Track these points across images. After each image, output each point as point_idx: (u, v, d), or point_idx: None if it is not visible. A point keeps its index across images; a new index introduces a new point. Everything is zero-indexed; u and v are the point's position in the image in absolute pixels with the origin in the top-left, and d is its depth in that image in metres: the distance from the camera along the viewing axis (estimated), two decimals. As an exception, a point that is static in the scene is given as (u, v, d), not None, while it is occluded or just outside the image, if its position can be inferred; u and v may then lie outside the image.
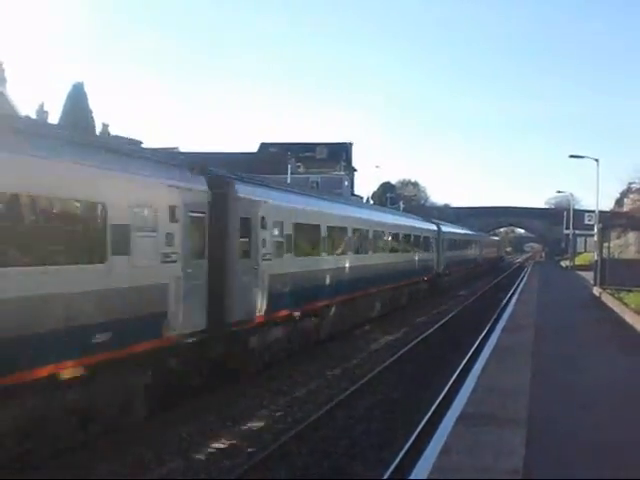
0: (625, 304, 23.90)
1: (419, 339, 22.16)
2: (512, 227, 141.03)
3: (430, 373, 16.83)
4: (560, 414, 9.88)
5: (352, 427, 12.10)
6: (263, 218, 15.50)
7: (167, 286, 11.84)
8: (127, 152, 11.98)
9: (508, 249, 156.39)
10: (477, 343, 19.90)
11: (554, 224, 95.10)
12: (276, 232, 16.45)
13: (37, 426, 9.05)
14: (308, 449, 10.76)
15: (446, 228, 46.52)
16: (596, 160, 45.57)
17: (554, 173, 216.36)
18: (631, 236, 45.25)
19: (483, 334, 21.69)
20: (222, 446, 10.91)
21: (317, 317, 19.69)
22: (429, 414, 12.14)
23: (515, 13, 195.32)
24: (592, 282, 35.37)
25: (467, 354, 18.25)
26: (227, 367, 14.18)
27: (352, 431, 11.86)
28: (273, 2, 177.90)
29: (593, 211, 49.50)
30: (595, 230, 41.69)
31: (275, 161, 73.04)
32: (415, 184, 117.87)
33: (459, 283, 49.29)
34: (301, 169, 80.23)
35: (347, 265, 22.57)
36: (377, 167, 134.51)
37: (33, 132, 9.90)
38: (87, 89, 49.26)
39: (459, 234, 54.51)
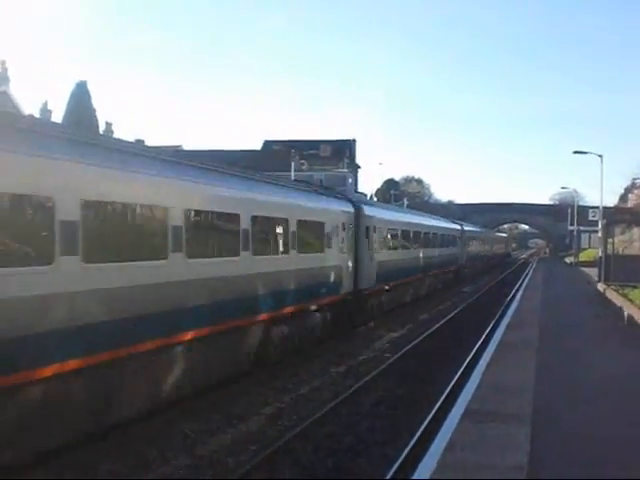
0: (630, 300, 23.84)
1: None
2: (516, 223, 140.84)
3: (435, 369, 16.81)
4: (565, 410, 9.87)
5: (357, 424, 12.09)
6: (374, 227, 24.43)
7: (342, 267, 20.68)
8: (323, 192, 21.60)
9: (513, 245, 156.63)
10: (482, 338, 19.90)
11: (558, 220, 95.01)
12: (380, 235, 25.56)
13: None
14: (313, 446, 10.74)
15: (467, 227, 55.27)
16: (600, 156, 45.48)
17: (558, 169, 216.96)
18: (635, 232, 45.13)
19: (489, 329, 21.69)
20: (226, 444, 10.90)
21: (399, 289, 28.80)
22: (434, 411, 12.12)
23: (517, 9, 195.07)
24: (596, 278, 35.31)
25: (472, 349, 18.25)
26: (358, 314, 22.64)
27: (357, 428, 11.84)
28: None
29: (597, 207, 49.36)
30: (599, 226, 41.63)
31: (279, 159, 73.09)
32: (419, 181, 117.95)
33: (476, 274, 58.02)
34: (305, 166, 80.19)
35: (420, 256, 33.38)
36: (380, 164, 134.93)
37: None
38: (90, 88, 49.36)
39: (477, 232, 64.15)
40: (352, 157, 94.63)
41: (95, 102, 48.96)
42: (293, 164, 54.83)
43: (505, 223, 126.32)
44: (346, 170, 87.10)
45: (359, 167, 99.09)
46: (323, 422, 11.99)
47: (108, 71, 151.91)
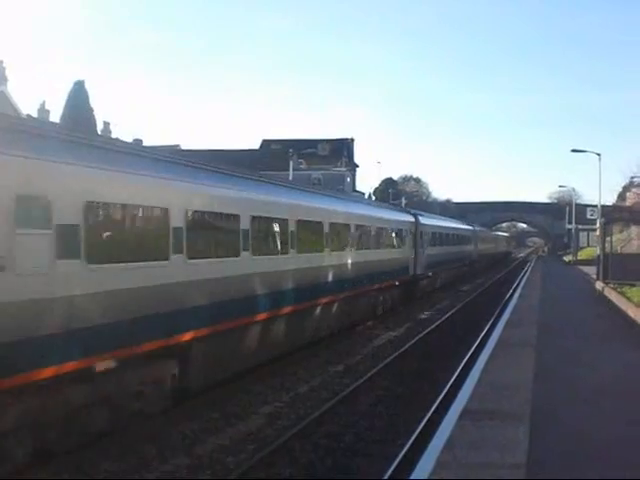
0: (628, 298, 23.87)
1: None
2: (514, 222, 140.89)
3: (435, 367, 16.83)
4: (564, 409, 9.88)
5: (356, 423, 12.09)
6: (425, 231, 34.92)
7: (410, 257, 30.91)
8: (400, 209, 37.00)
9: (513, 244, 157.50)
10: (482, 335, 19.92)
11: (556, 219, 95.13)
12: (427, 236, 35.52)
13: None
14: (311, 445, 10.75)
15: (478, 228, 65.73)
16: (598, 154, 45.49)
17: (556, 167, 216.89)
18: (633, 230, 45.19)
19: (488, 326, 21.72)
20: (225, 443, 10.91)
21: (440, 275, 39.87)
22: (433, 409, 12.13)
23: (517, 8, 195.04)
24: (594, 277, 35.33)
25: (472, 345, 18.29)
26: (416, 291, 32.95)
27: (356, 427, 11.85)
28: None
29: (595, 205, 49.40)
30: (597, 224, 41.65)
31: (277, 158, 73.08)
32: (417, 179, 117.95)
33: (485, 269, 66.86)
34: (303, 166, 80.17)
35: (454, 251, 45.53)
36: (378, 163, 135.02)
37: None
38: (88, 87, 49.29)
39: (484, 232, 74.06)
40: (350, 156, 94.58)
41: (93, 102, 48.95)
42: (291, 163, 54.80)
43: (503, 222, 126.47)
44: (344, 169, 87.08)
45: (357, 166, 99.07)
46: (322, 421, 12.00)
47: (106, 70, 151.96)
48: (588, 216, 56.66)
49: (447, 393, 13.14)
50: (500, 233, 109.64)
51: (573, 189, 78.39)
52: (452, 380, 14.41)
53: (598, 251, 35.35)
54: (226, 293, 13.07)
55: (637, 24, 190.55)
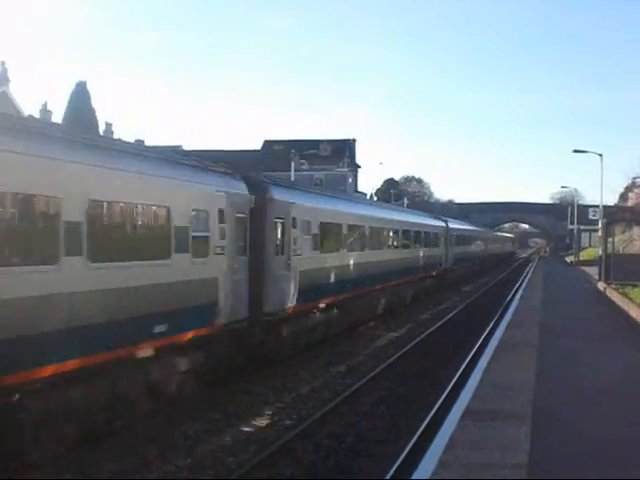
0: (630, 299, 23.84)
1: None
2: (516, 223, 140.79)
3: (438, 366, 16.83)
4: (565, 409, 9.87)
5: (357, 423, 12.09)
6: (455, 235, 44.90)
7: (443, 254, 39.89)
8: (435, 216, 43.87)
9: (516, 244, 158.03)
10: (484, 335, 19.92)
11: (558, 219, 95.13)
12: (454, 238, 44.10)
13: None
14: (313, 446, 10.75)
15: (489, 231, 77.89)
16: (600, 155, 45.50)
17: (558, 168, 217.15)
18: (636, 231, 45.12)
19: (490, 326, 21.71)
20: (227, 443, 10.90)
21: (466, 269, 50.78)
22: (435, 409, 12.12)
23: (518, 8, 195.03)
24: (597, 277, 35.30)
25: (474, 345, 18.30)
26: (445, 281, 40.91)
27: (357, 427, 11.84)
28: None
29: (597, 206, 49.38)
30: (599, 225, 41.61)
31: (279, 158, 73.07)
32: (419, 180, 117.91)
33: (493, 266, 74.13)
34: (305, 166, 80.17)
35: (472, 250, 56.03)
36: (380, 163, 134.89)
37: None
38: (90, 88, 49.28)
39: (493, 234, 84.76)
40: (352, 157, 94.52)
41: (95, 102, 48.92)
42: (293, 164, 54.81)
43: (505, 222, 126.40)
44: (346, 170, 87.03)
45: (359, 167, 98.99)
46: (323, 422, 11.99)
47: (108, 71, 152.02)
48: (590, 217, 56.57)
49: (449, 393, 13.14)
50: (506, 234, 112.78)
51: (575, 189, 78.60)
52: (454, 380, 14.40)
53: (600, 252, 35.34)
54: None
55: (639, 24, 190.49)
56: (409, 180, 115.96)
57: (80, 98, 47.35)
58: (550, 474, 7.18)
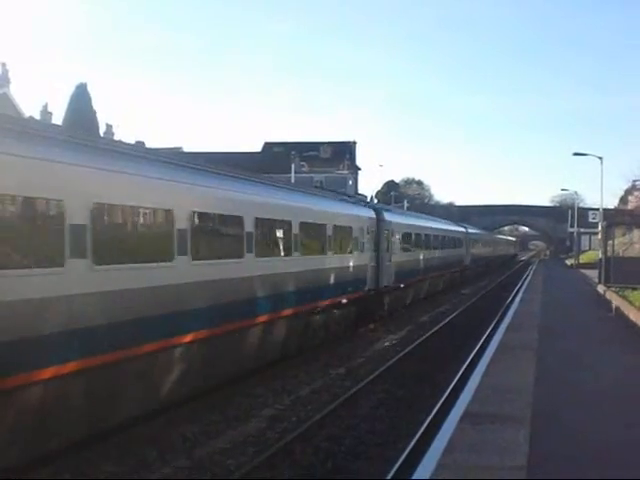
0: (629, 302, 23.83)
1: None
2: (516, 225, 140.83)
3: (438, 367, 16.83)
4: (564, 413, 9.86)
5: (356, 426, 12.08)
6: (474, 239, 57.19)
7: (465, 254, 50.59)
8: (457, 223, 53.67)
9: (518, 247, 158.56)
10: (483, 338, 19.92)
11: (559, 222, 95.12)
12: (472, 242, 54.71)
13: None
14: (312, 448, 10.75)
15: (493, 234, 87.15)
16: (600, 158, 45.53)
17: (558, 171, 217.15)
18: (636, 234, 45.11)
19: (490, 329, 21.72)
20: (226, 445, 10.90)
21: (484, 267, 64.55)
22: (434, 412, 12.12)
23: (518, 10, 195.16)
24: (596, 280, 35.30)
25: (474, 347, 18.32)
26: (464, 278, 50.00)
27: (356, 430, 11.84)
28: (277, 0, 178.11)
29: (597, 209, 49.39)
30: (599, 228, 41.61)
31: (279, 160, 73.13)
32: (419, 182, 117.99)
33: (499, 267, 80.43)
34: (305, 168, 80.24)
35: (482, 252, 63.83)
36: (381, 166, 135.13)
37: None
38: (90, 89, 49.31)
39: (499, 238, 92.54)
40: (352, 159, 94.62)
41: (95, 104, 48.94)
42: (293, 166, 54.85)
43: (505, 225, 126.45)
44: (346, 172, 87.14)
45: (359, 169, 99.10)
46: (323, 424, 11.99)
47: (108, 72, 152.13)
48: (590, 219, 56.60)
49: (448, 396, 13.14)
50: (509, 237, 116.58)
51: (575, 192, 78.65)
52: (453, 383, 14.40)
53: (600, 254, 35.34)
54: None
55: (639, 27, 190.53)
56: (409, 182, 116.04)
57: (81, 100, 47.37)
58: (549, 476, 7.18)
